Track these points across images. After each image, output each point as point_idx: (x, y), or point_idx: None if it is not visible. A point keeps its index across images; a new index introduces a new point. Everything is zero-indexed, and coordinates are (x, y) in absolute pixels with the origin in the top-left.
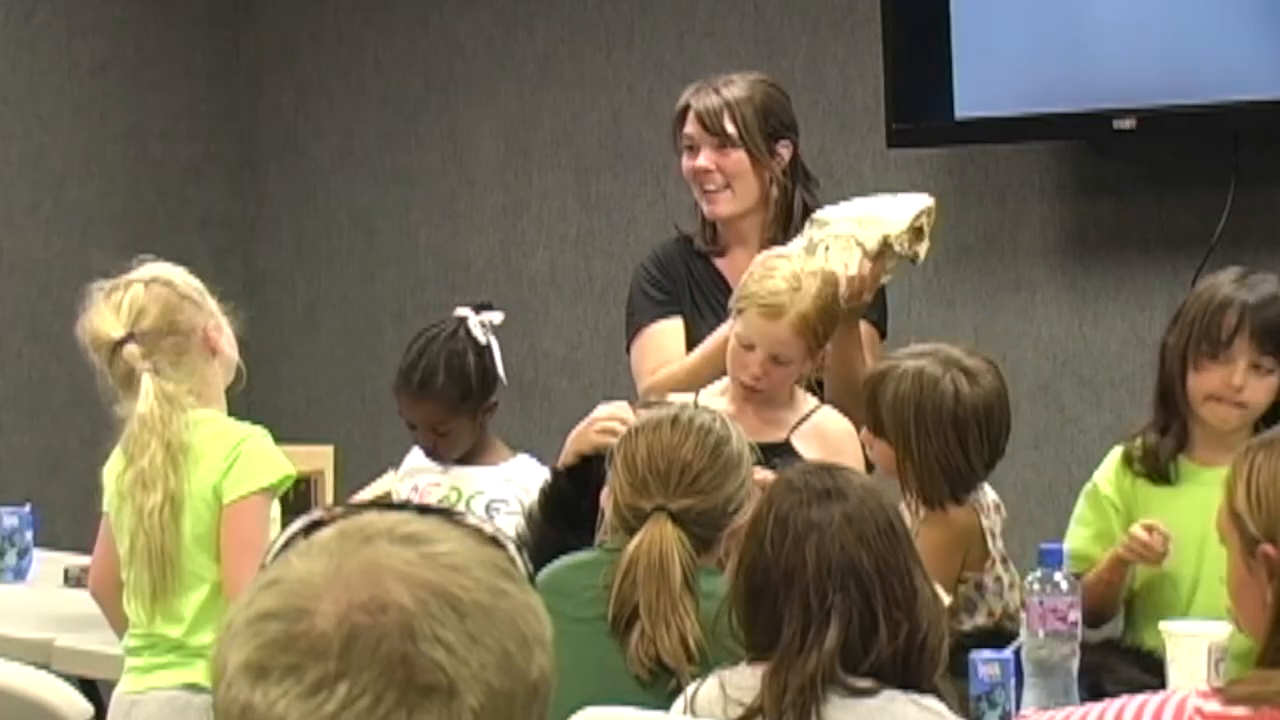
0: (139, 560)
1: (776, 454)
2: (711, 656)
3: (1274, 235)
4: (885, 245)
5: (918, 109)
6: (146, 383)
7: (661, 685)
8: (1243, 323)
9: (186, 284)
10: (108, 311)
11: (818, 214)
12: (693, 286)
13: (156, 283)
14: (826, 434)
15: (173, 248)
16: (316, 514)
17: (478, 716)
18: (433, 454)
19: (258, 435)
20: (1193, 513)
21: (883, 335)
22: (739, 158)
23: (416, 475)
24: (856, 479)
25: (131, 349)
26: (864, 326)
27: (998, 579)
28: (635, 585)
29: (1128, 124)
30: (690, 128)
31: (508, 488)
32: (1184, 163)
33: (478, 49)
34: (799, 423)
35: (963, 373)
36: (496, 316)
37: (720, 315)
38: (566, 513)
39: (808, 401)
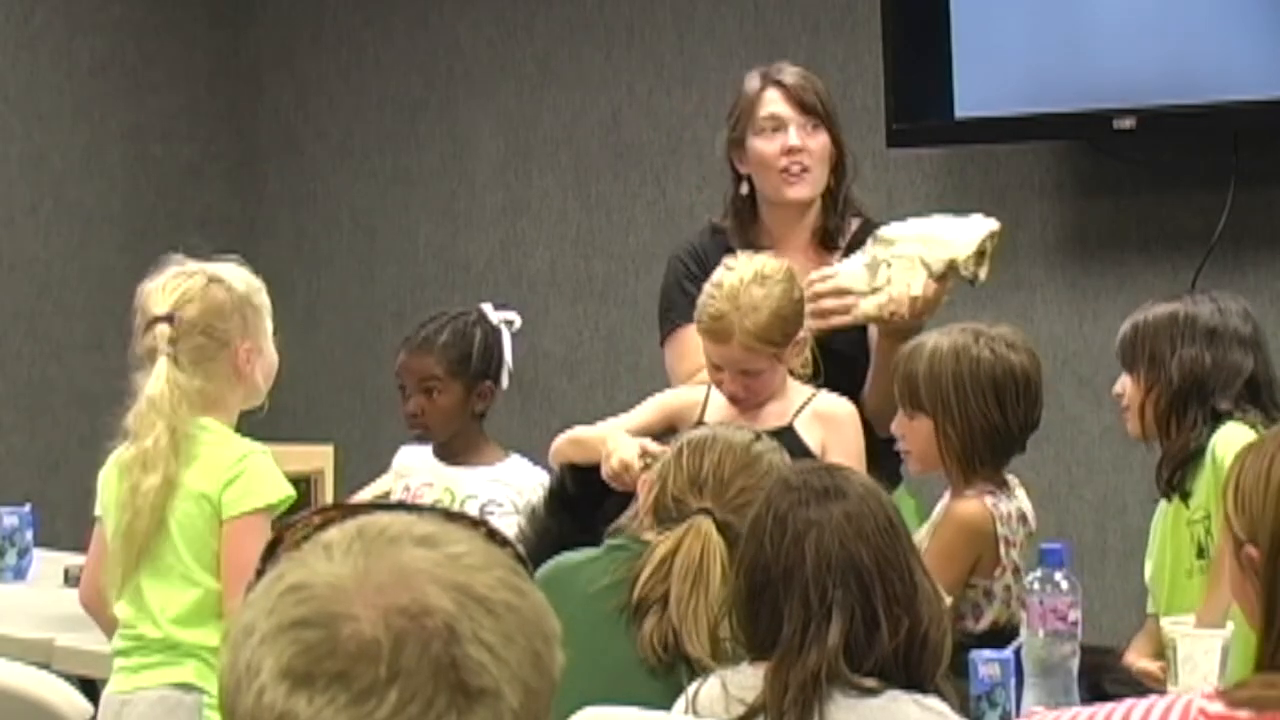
0: (118, 537)
1: (779, 438)
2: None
3: (1274, 235)
4: (950, 267)
5: (918, 109)
6: (161, 366)
7: (665, 675)
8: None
9: (247, 299)
10: (165, 288)
11: (882, 231)
12: None
13: (219, 284)
14: (826, 415)
15: (173, 248)
16: (313, 516)
17: (517, 717)
18: (419, 427)
19: (261, 453)
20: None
21: None
22: (824, 141)
23: (407, 476)
24: (856, 478)
25: (163, 329)
26: None
27: (1006, 588)
28: (668, 578)
29: (1128, 124)
30: (778, 106)
31: (501, 489)
32: (1184, 163)
33: (478, 49)
34: (799, 409)
35: (997, 339)
36: (514, 318)
37: None
38: (572, 509)
39: (804, 389)
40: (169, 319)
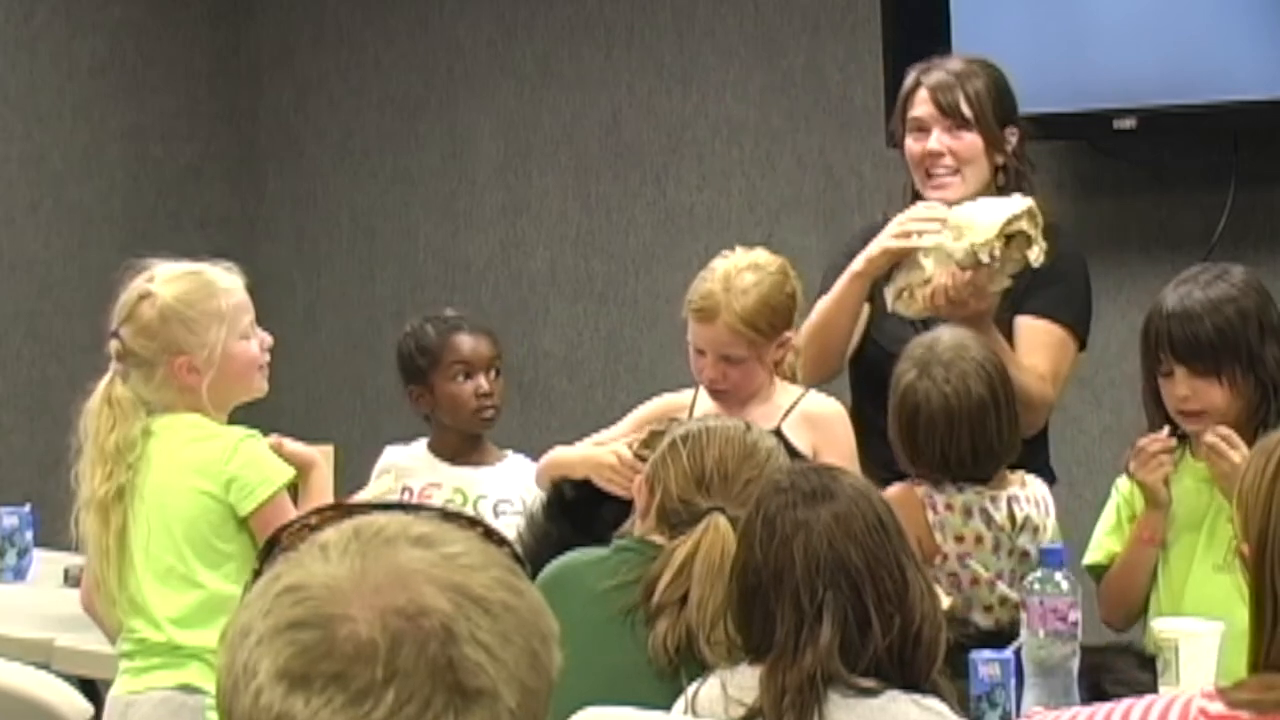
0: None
1: None
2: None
3: (1274, 235)
4: (972, 254)
5: None
6: (102, 382)
7: (670, 677)
8: (1161, 339)
9: (177, 313)
10: (119, 300)
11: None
12: None
13: (146, 300)
14: (815, 418)
15: (173, 248)
16: (311, 516)
17: (514, 717)
18: (491, 409)
19: (248, 438)
20: (1186, 502)
21: (1079, 342)
22: (972, 140)
23: (407, 478)
24: (847, 479)
25: (113, 344)
26: (1042, 326)
27: (953, 574)
28: (688, 580)
29: (1128, 124)
30: (922, 109)
31: (510, 487)
32: (1184, 163)
33: (478, 49)
34: (787, 412)
35: (953, 364)
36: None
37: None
38: (570, 514)
39: (792, 390)
40: (115, 334)
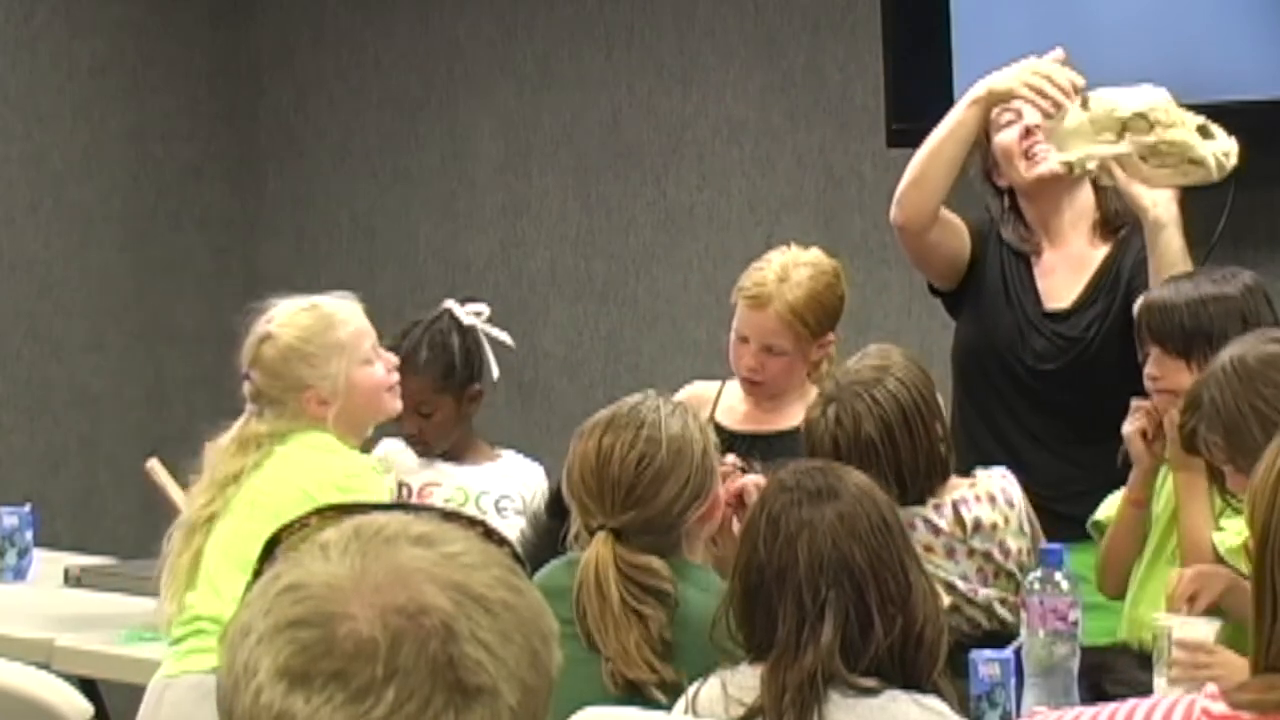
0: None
1: (782, 441)
2: (688, 656)
3: (1274, 235)
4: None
5: (918, 109)
6: (238, 422)
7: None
8: (1141, 318)
9: (296, 350)
10: (245, 343)
11: (1138, 109)
12: (1004, 262)
13: (268, 342)
14: None
15: (173, 248)
16: (311, 516)
17: (515, 715)
18: (419, 442)
19: (372, 471)
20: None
21: None
22: None
23: (405, 477)
24: (851, 478)
25: (246, 386)
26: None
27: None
28: (589, 604)
29: None
30: (1016, 100)
31: (510, 484)
32: None
33: (478, 49)
34: None
35: (825, 414)
36: (483, 308)
37: (1018, 304)
38: (566, 516)
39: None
40: (247, 376)
